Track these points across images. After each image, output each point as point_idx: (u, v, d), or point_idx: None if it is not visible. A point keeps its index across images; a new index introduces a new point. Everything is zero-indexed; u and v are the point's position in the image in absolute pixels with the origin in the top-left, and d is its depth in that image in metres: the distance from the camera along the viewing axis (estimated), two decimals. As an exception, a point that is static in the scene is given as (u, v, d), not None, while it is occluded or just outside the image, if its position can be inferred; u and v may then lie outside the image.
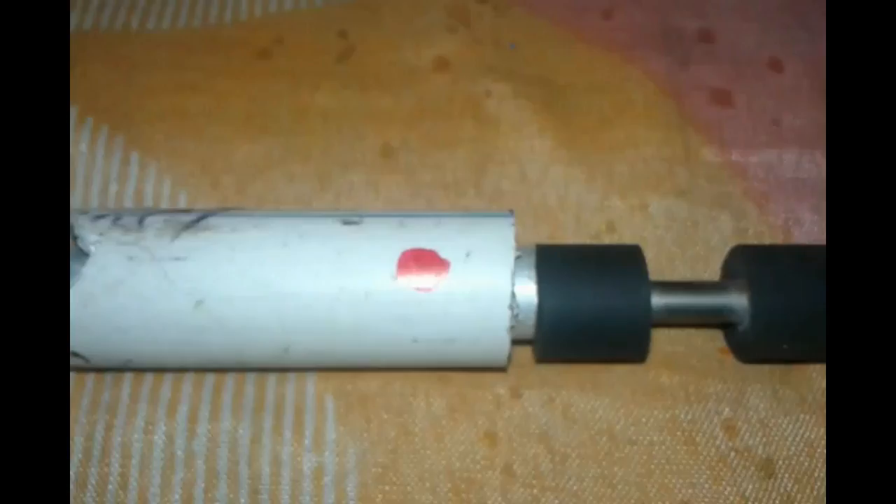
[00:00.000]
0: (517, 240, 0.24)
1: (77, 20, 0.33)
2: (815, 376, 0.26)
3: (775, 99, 0.32)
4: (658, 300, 0.24)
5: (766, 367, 0.26)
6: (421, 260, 0.23)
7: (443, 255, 0.23)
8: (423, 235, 0.23)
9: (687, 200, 0.29)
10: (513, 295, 0.23)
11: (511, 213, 0.24)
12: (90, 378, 0.25)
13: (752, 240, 0.29)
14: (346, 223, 0.24)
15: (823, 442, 0.25)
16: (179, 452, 0.24)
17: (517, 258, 0.24)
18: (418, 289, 0.23)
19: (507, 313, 0.23)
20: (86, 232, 0.23)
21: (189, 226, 0.23)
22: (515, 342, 0.25)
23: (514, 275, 0.23)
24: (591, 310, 0.24)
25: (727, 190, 0.30)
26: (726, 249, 0.27)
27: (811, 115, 0.32)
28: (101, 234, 0.23)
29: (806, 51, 0.34)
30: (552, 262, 0.24)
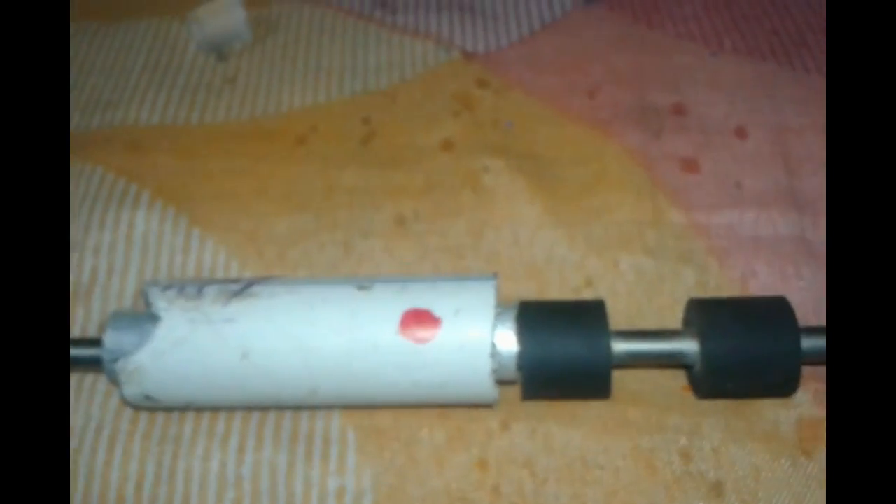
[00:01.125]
0: (504, 297, 0.29)
1: (147, 116, 0.40)
2: (763, 410, 0.30)
3: (738, 164, 0.37)
4: (620, 346, 0.29)
5: (720, 402, 0.30)
6: (418, 318, 0.28)
7: (436, 313, 0.28)
8: (421, 297, 0.29)
9: (654, 258, 0.34)
10: (493, 345, 0.28)
11: (495, 275, 0.30)
12: (160, 416, 0.31)
13: (712, 292, 0.33)
14: (360, 289, 0.29)
15: (768, 466, 0.29)
16: (230, 476, 0.30)
17: (499, 314, 0.29)
18: (416, 341, 0.28)
19: (488, 361, 0.28)
20: (157, 300, 0.30)
21: (237, 293, 0.30)
22: (504, 383, 0.30)
23: (494, 328, 0.28)
24: (562, 357, 0.29)
25: (691, 247, 0.34)
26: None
27: (770, 178, 0.36)
28: (168, 302, 0.29)
29: (769, 119, 0.38)
30: (531, 316, 0.29)
